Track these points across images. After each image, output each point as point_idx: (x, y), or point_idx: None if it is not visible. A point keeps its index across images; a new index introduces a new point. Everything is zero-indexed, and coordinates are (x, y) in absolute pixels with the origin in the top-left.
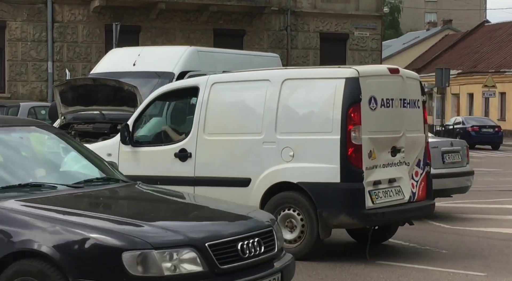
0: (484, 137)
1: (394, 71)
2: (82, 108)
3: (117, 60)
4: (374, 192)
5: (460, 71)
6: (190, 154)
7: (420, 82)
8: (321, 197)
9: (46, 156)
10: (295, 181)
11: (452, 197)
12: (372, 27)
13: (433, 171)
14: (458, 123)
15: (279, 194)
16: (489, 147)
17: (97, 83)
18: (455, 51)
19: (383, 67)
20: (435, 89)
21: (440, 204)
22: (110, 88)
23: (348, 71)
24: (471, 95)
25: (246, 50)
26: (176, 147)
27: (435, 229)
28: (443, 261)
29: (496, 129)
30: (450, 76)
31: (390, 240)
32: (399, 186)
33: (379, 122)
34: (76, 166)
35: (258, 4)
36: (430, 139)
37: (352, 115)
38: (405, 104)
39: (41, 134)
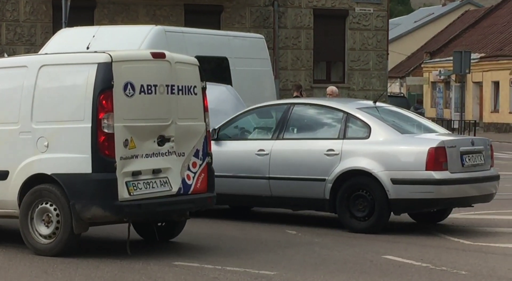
0: None
1: (158, 55)
2: None
3: (67, 43)
4: (133, 183)
5: (483, 55)
6: None
7: (199, 67)
8: (73, 189)
9: None
10: (49, 173)
11: (473, 206)
12: (377, 2)
13: (451, 176)
14: None
15: (35, 187)
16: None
17: None
18: (477, 31)
19: (144, 52)
20: (453, 77)
21: (460, 215)
22: None
23: (101, 56)
24: (496, 84)
25: (224, 30)
26: None
27: (453, 246)
28: None
29: None
30: (471, 61)
31: (397, 258)
32: (166, 177)
33: (139, 110)
34: None
35: None
36: (447, 137)
37: (103, 102)
38: (174, 91)
39: None
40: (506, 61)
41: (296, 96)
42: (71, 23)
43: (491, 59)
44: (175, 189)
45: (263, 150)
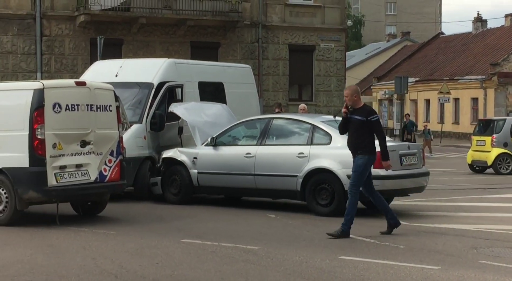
0: None
1: (80, 84)
2: None
3: (101, 72)
4: (60, 174)
5: (417, 79)
6: None
7: (114, 92)
8: (17, 178)
9: None
10: (0, 167)
11: (409, 196)
12: (337, 39)
13: (392, 172)
14: None
15: None
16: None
17: None
18: (413, 60)
19: (69, 81)
20: (395, 96)
21: (399, 202)
22: None
23: (35, 84)
24: (427, 101)
25: (220, 61)
26: None
27: None
28: (400, 256)
29: None
30: (409, 84)
31: (352, 236)
32: (87, 170)
33: (65, 122)
34: None
35: (232, 19)
36: (389, 144)
37: (37, 117)
38: (93, 109)
39: None
40: (435, 84)
41: (278, 112)
42: (104, 56)
43: (424, 82)
44: (93, 178)
45: (249, 153)
